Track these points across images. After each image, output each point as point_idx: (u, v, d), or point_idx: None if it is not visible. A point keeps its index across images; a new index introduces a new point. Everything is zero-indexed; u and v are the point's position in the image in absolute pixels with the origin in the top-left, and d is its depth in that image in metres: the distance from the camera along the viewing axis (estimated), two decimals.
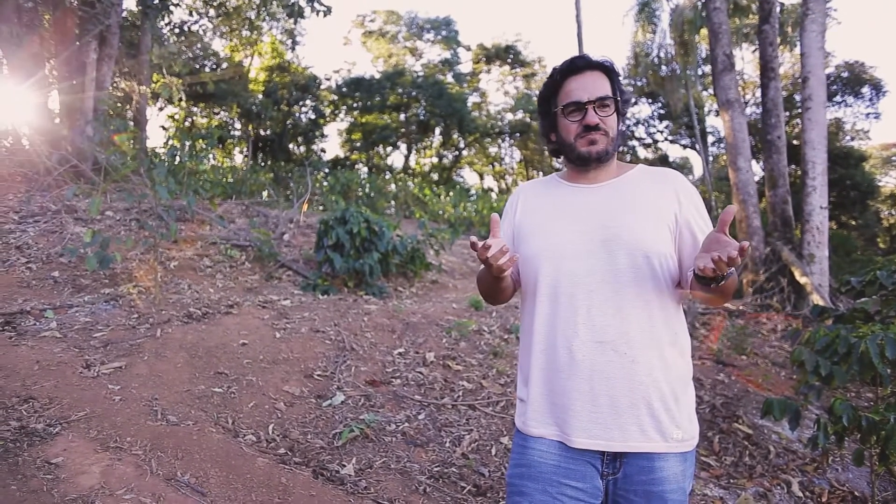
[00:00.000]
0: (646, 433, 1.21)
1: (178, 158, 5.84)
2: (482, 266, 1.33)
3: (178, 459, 2.31)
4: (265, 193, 9.76)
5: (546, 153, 26.05)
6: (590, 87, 1.31)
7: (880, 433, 2.29)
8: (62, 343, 3.22)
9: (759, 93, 19.44)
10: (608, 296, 1.24)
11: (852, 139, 22.28)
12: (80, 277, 4.56)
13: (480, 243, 1.18)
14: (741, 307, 6.60)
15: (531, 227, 1.39)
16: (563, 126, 1.34)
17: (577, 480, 1.24)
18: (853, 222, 19.85)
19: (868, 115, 21.73)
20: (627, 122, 1.48)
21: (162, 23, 12.27)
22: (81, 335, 3.38)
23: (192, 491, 2.14)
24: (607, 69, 1.34)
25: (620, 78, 1.39)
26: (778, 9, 8.74)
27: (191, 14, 13.34)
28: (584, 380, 1.23)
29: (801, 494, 2.87)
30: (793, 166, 12.57)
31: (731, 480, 2.95)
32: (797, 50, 16.60)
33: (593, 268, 1.26)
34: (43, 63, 9.24)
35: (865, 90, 21.04)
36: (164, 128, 19.39)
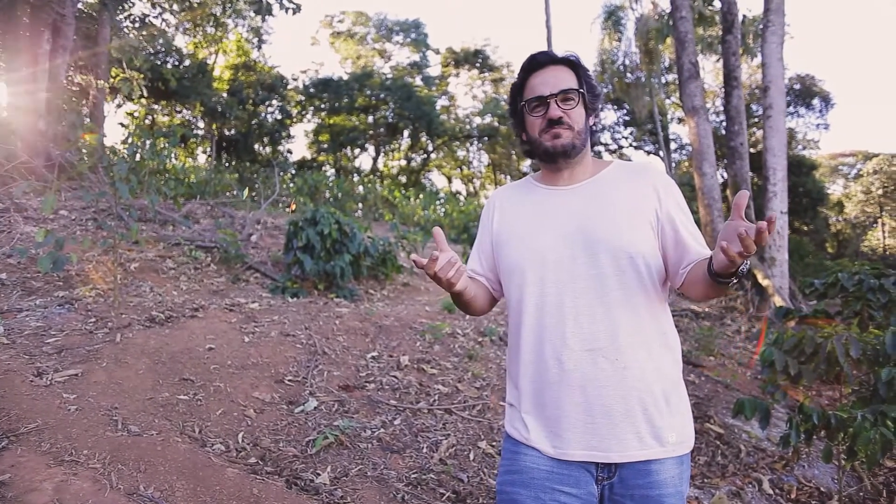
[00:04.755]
0: (643, 440, 1.18)
1: (138, 156, 5.59)
2: None
3: (141, 472, 2.17)
4: (245, 193, 9.47)
5: (514, 157, 26.32)
6: (552, 81, 1.28)
7: (848, 430, 2.35)
8: (10, 350, 2.99)
9: (718, 101, 20.16)
10: (595, 301, 1.21)
11: (804, 148, 23.37)
12: (31, 280, 4.29)
13: (424, 260, 1.14)
14: (707, 309, 6.78)
15: (510, 235, 1.34)
16: (529, 122, 1.32)
17: (570, 486, 1.20)
18: (805, 228, 20.77)
19: (818, 125, 22.88)
20: (600, 121, 1.44)
21: (122, 15, 11.79)
22: (32, 341, 3.16)
23: None
24: (572, 63, 1.31)
25: (589, 73, 1.35)
26: (740, 19, 9.06)
27: (153, 7, 12.87)
28: (576, 390, 1.19)
29: (771, 492, 2.93)
30: (751, 173, 13.05)
31: (706, 480, 2.98)
32: (755, 61, 17.30)
33: (577, 273, 1.22)
34: None
35: (816, 102, 22.12)
36: (123, 125, 18.66)
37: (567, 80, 1.28)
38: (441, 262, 1.16)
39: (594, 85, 1.33)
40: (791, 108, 21.55)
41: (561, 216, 1.28)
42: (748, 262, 1.08)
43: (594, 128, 1.37)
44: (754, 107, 18.63)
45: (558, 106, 1.27)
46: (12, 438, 2.21)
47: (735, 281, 1.08)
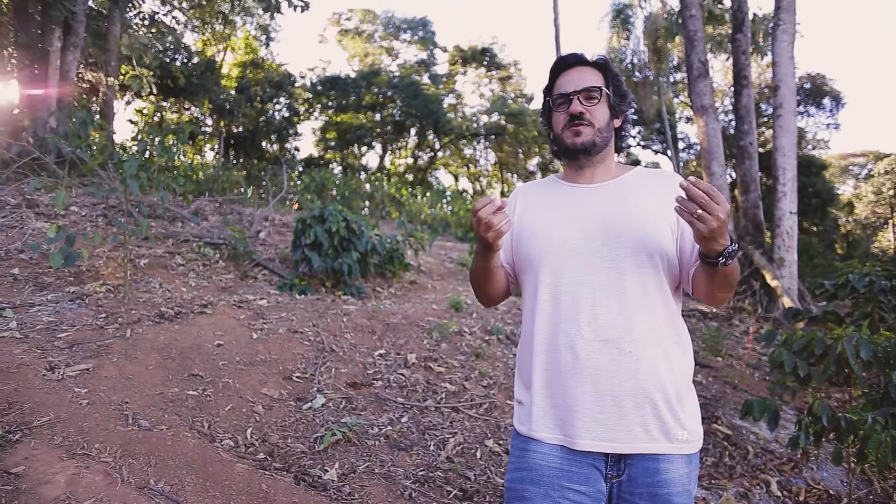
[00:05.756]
0: (650, 434, 1.19)
1: (148, 153, 5.62)
2: (476, 256, 1.32)
3: (151, 466, 2.19)
4: (250, 190, 9.53)
5: (521, 156, 26.27)
6: (577, 80, 1.32)
7: (858, 433, 2.33)
8: (23, 344, 3.03)
9: (727, 101, 20.02)
10: (612, 294, 1.23)
11: (813, 148, 23.17)
12: (43, 275, 4.33)
13: (481, 204, 1.17)
14: (714, 310, 6.74)
15: (531, 227, 1.36)
16: (554, 119, 1.36)
17: (580, 484, 1.21)
18: (814, 228, 20.60)
19: (828, 125, 22.66)
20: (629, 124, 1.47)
21: (131, 13, 11.87)
22: (44, 335, 3.19)
23: (166, 500, 2.03)
24: (600, 66, 1.35)
25: (619, 77, 1.39)
26: (750, 18, 8.99)
27: (162, 4, 12.94)
28: (587, 379, 1.20)
29: (779, 494, 2.92)
30: (760, 173, 12.97)
31: (713, 481, 2.97)
32: (765, 60, 17.16)
33: (596, 266, 1.24)
34: (1, 50, 8.82)
35: (826, 101, 21.90)
36: (132, 122, 18.79)
37: (592, 79, 1.32)
38: (493, 207, 1.17)
39: (622, 88, 1.36)
40: (801, 108, 21.34)
41: (582, 211, 1.31)
42: (735, 244, 1.11)
43: (623, 132, 1.40)
44: (764, 106, 18.48)
45: (581, 103, 1.30)
46: (26, 431, 2.24)
47: (725, 261, 1.10)
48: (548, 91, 1.39)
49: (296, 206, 9.06)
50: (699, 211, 1.02)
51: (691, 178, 1.03)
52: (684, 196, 1.04)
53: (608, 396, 1.19)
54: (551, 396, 1.25)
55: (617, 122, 1.38)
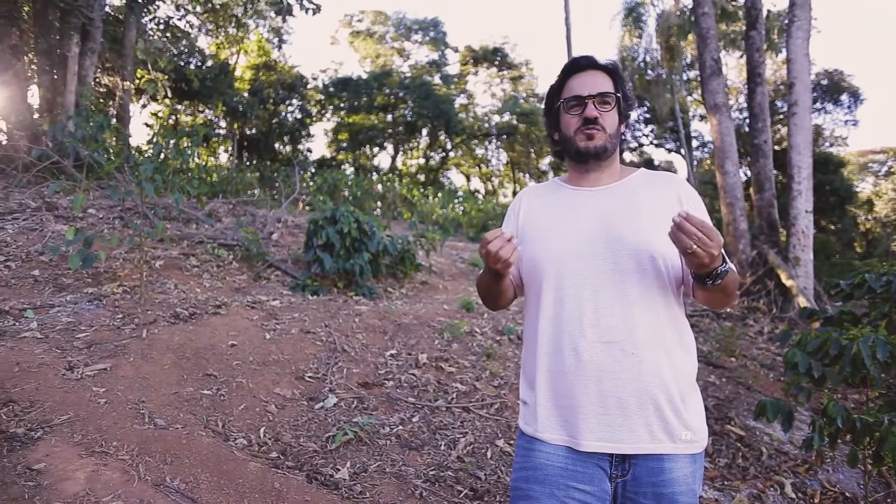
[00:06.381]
0: (654, 434, 1.20)
1: (162, 156, 5.70)
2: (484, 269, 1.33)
3: (167, 464, 2.23)
4: (257, 192, 9.65)
5: (533, 155, 26.19)
6: (590, 83, 1.33)
7: (874, 435, 2.30)
8: (43, 344, 3.11)
9: (741, 98, 19.78)
10: (614, 296, 1.24)
11: (831, 145, 22.77)
12: (62, 276, 4.42)
13: (500, 233, 1.19)
14: (728, 309, 6.67)
15: (535, 230, 1.38)
16: (565, 121, 1.36)
17: (584, 483, 1.22)
18: (832, 227, 20.25)
19: (846, 122, 22.23)
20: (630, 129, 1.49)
21: (147, 18, 12.06)
22: (64, 336, 3.27)
23: (181, 497, 2.07)
24: (610, 71, 1.36)
25: (626, 82, 1.40)
26: (764, 14, 8.88)
27: (177, 9, 13.12)
28: (591, 381, 1.21)
29: (793, 496, 2.89)
30: (775, 171, 12.78)
31: (726, 482, 2.95)
32: (780, 57, 16.92)
33: (598, 268, 1.25)
34: (21, 56, 9.01)
35: (844, 98, 21.50)
36: (147, 125, 19.06)
37: (605, 84, 1.33)
38: (500, 241, 1.19)
39: (629, 94, 1.38)
40: (818, 105, 20.97)
41: (585, 214, 1.32)
42: (726, 265, 1.13)
43: (623, 136, 1.42)
44: (779, 103, 18.21)
45: (595, 107, 1.31)
46: (46, 429, 2.30)
47: (714, 282, 1.13)
48: (556, 91, 1.39)
49: (300, 206, 9.14)
50: (694, 247, 1.04)
51: (683, 212, 1.05)
52: (677, 229, 1.06)
53: (612, 397, 1.20)
54: (555, 398, 1.26)
55: (622, 128, 1.39)
